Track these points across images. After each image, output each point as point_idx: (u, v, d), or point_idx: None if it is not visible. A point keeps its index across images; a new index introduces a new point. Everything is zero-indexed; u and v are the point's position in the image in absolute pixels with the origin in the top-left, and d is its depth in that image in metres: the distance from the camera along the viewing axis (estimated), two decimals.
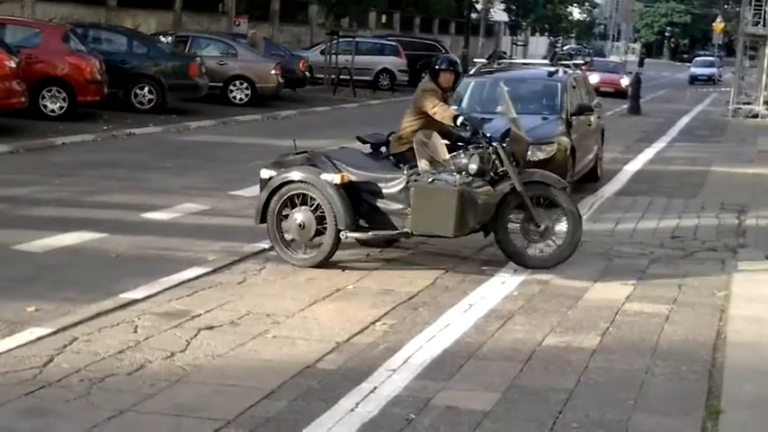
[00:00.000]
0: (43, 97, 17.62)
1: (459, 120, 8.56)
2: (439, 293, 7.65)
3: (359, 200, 8.26)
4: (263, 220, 8.43)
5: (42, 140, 15.33)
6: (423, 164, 8.23)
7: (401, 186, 8.14)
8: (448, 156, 8.32)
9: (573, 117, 13.01)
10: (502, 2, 62.68)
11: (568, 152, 12.21)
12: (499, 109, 9.33)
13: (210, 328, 6.48)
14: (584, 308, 7.37)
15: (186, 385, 5.45)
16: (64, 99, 17.77)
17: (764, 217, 11.67)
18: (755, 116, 30.13)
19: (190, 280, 7.69)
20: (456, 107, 12.93)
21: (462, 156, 8.28)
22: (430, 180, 8.04)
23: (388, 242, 9.10)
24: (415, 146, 8.47)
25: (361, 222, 8.34)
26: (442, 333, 6.58)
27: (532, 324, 6.88)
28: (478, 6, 54.58)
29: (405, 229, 8.19)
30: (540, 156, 11.78)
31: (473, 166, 8.13)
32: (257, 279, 7.92)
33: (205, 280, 7.74)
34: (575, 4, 73.63)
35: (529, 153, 11.64)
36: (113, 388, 5.32)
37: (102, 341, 6.08)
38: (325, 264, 8.28)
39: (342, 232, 8.18)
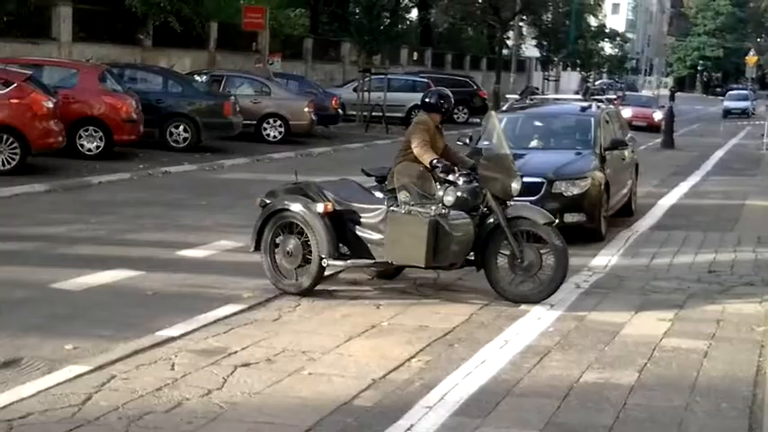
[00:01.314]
0: (80, 137, 17.84)
1: (433, 163, 8.68)
2: (474, 329, 7.63)
3: (344, 229, 8.54)
4: (257, 247, 8.74)
5: (79, 179, 15.51)
6: (402, 195, 8.49)
7: (381, 217, 8.39)
8: (436, 189, 8.55)
9: (606, 152, 12.99)
10: (533, 38, 62.84)
11: (602, 187, 12.19)
12: (486, 143, 9.34)
13: (247, 365, 6.49)
14: (621, 344, 7.31)
15: (223, 423, 5.46)
16: (100, 138, 17.98)
17: None
18: None
19: (226, 317, 7.72)
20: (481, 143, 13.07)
21: (441, 189, 8.44)
22: (405, 210, 8.23)
23: (394, 273, 9.29)
24: (395, 176, 8.80)
25: (346, 251, 8.62)
26: (478, 369, 6.55)
27: (569, 360, 6.84)
28: (510, 42, 54.74)
29: (383, 259, 8.40)
30: (575, 191, 11.78)
31: (448, 198, 8.30)
32: (292, 316, 7.93)
33: (241, 317, 7.77)
34: (606, 39, 73.58)
35: (563, 188, 11.75)
36: (151, 425, 5.34)
37: (140, 378, 6.11)
38: (311, 291, 8.53)
39: (323, 260, 8.40)
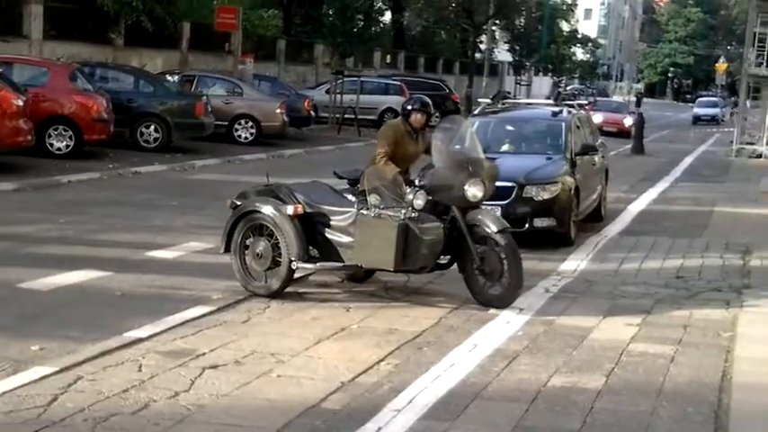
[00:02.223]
0: (50, 136, 17.70)
1: (394, 177, 8.64)
2: (444, 333, 7.64)
3: (314, 232, 8.53)
4: (227, 248, 8.73)
5: (48, 179, 15.39)
6: (372, 198, 8.44)
7: (351, 220, 8.39)
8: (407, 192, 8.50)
9: (577, 157, 13.05)
10: (506, 42, 63.12)
11: (572, 192, 12.24)
12: (457, 147, 9.05)
13: (215, 367, 6.47)
14: (589, 348, 7.35)
15: (190, 425, 5.43)
16: (70, 137, 17.85)
17: None
18: (759, 156, 30.19)
19: (194, 319, 7.69)
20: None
21: (410, 192, 8.36)
22: (374, 214, 8.23)
23: (365, 277, 9.26)
24: (366, 179, 8.77)
25: (316, 254, 8.60)
26: (446, 373, 6.56)
27: (537, 364, 6.86)
28: (482, 46, 54.92)
29: (352, 262, 8.38)
30: (545, 195, 11.83)
31: (418, 202, 8.25)
32: (261, 318, 7.91)
33: (210, 319, 7.74)
34: (578, 45, 73.99)
35: (533, 193, 11.80)
36: (117, 427, 5.31)
37: (107, 380, 6.07)
38: (280, 293, 8.50)
39: (293, 262, 8.39)
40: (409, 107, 9.21)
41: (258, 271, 8.63)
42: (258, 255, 8.57)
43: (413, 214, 8.20)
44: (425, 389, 6.18)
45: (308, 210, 8.52)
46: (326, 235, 8.50)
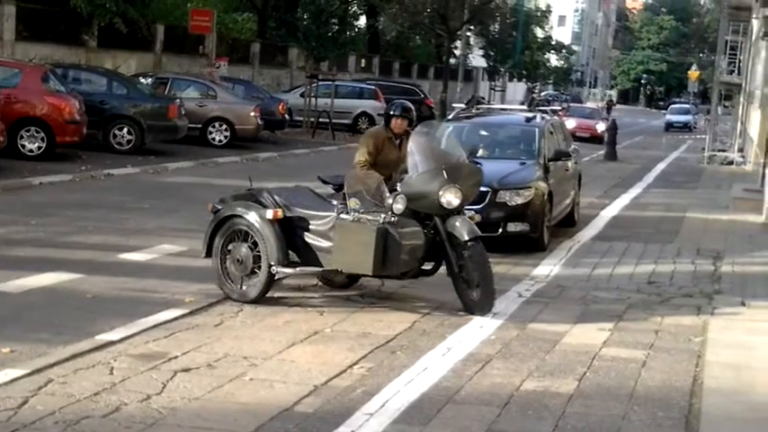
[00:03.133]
0: (21, 137, 17.56)
1: (378, 186, 8.55)
2: (417, 337, 7.64)
3: (294, 236, 8.46)
4: (208, 254, 8.67)
5: (20, 180, 15.27)
6: (352, 202, 8.41)
7: (330, 224, 8.31)
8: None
9: (550, 162, 13.11)
10: (480, 48, 63.27)
11: (546, 197, 12.31)
12: (432, 152, 8.65)
13: (187, 370, 6.44)
14: (561, 352, 7.38)
15: (162, 428, 5.40)
16: (42, 139, 17.72)
17: (740, 263, 11.76)
18: (730, 163, 30.46)
19: (167, 322, 7.65)
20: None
21: (391, 197, 8.28)
22: (353, 218, 8.17)
23: (349, 282, 9.18)
24: (346, 182, 8.83)
25: (296, 258, 8.54)
26: (419, 377, 6.56)
27: (510, 368, 6.88)
28: (457, 52, 55.03)
29: (331, 266, 8.34)
30: (518, 200, 11.88)
31: (398, 207, 8.17)
32: (235, 321, 7.88)
33: (182, 322, 7.70)
34: (552, 51, 74.31)
35: (507, 197, 11.84)
36: (88, 430, 5.27)
37: (78, 383, 6.03)
38: (261, 299, 8.43)
39: (272, 267, 8.31)
40: (391, 112, 9.16)
41: (238, 276, 8.54)
42: (239, 260, 8.50)
43: (392, 219, 8.11)
44: (398, 392, 6.18)
45: (288, 214, 8.45)
46: (306, 239, 8.43)
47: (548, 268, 10.84)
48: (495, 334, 7.81)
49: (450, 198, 8.32)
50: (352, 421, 5.63)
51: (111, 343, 6.94)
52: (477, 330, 7.91)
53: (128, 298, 8.49)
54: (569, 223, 14.29)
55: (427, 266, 8.58)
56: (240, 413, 5.68)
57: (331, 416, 5.71)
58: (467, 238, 8.27)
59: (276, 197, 8.62)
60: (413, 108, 9.31)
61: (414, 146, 8.61)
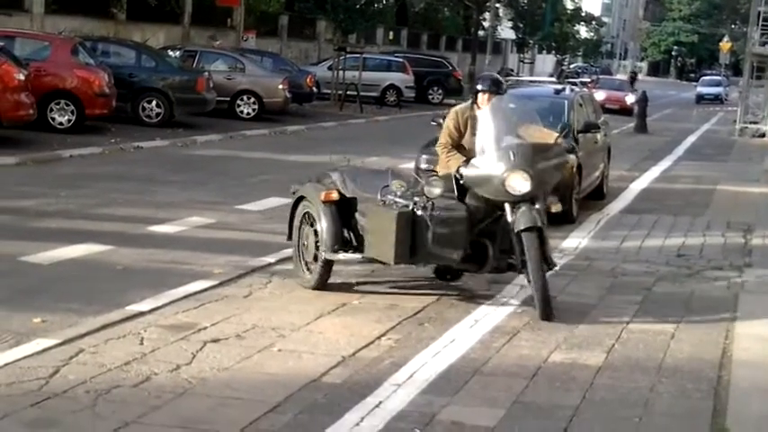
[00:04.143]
0: (51, 110, 17.67)
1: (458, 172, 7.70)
2: (444, 309, 7.65)
3: (351, 220, 7.88)
4: (289, 236, 8.34)
5: (50, 153, 15.38)
6: (396, 184, 7.63)
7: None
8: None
9: (579, 135, 13.04)
10: (509, 20, 62.80)
11: (575, 169, 12.23)
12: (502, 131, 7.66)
13: (216, 341, 6.48)
14: (589, 325, 7.36)
15: (191, 398, 5.45)
16: (72, 112, 17.82)
17: None
18: (762, 135, 30.14)
19: (196, 293, 7.70)
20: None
21: (424, 179, 7.62)
22: (386, 201, 7.47)
23: (454, 276, 8.26)
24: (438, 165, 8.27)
25: (355, 243, 7.88)
26: (447, 349, 6.57)
27: (538, 341, 6.88)
28: (486, 24, 54.68)
29: (368, 254, 7.65)
30: None
31: (433, 191, 7.29)
32: (263, 293, 7.92)
33: (211, 293, 7.75)
34: (582, 23, 73.65)
35: None
36: (119, 399, 5.33)
37: (109, 353, 6.09)
38: (322, 287, 7.96)
39: (323, 251, 7.78)
40: (478, 87, 8.11)
41: (304, 262, 8.13)
42: (305, 244, 8.09)
43: (426, 203, 7.29)
44: (426, 364, 6.20)
45: (347, 195, 7.83)
46: (360, 223, 7.81)
47: (576, 241, 10.80)
48: (522, 306, 7.79)
49: (516, 183, 7.35)
50: (380, 392, 5.65)
51: (141, 314, 7.00)
52: (504, 303, 7.90)
53: (157, 269, 8.55)
54: (598, 196, 14.22)
55: (513, 260, 7.65)
56: (269, 383, 5.72)
57: (359, 387, 5.73)
58: (521, 227, 7.33)
59: (343, 177, 7.95)
60: (503, 81, 8.33)
61: (483, 122, 7.72)
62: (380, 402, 5.49)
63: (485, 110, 7.84)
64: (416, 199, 7.36)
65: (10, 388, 5.38)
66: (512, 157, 7.42)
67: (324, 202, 7.82)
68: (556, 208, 8.04)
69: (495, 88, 8.00)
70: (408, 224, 7.27)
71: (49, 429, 4.91)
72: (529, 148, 7.56)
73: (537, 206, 7.41)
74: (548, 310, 7.36)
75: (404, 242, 7.28)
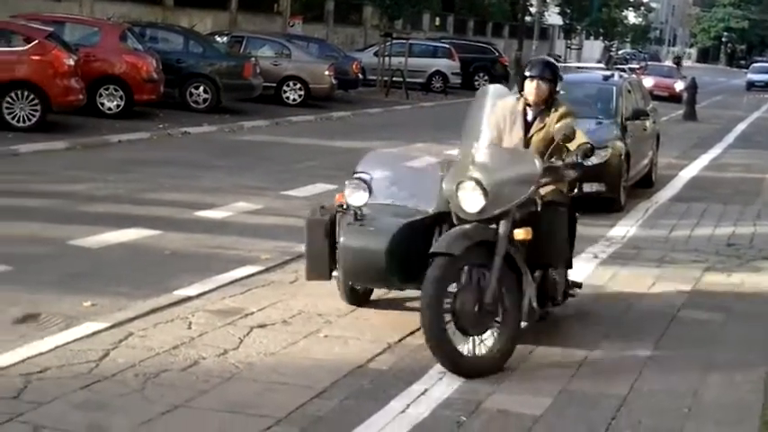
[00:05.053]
0: (100, 95, 17.84)
1: None
2: None
3: None
4: None
5: (99, 138, 15.54)
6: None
7: None
8: None
9: (628, 122, 12.92)
10: (556, 5, 62.30)
11: (623, 157, 12.13)
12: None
13: (263, 326, 6.51)
14: (637, 314, 7.30)
15: (239, 382, 5.49)
16: (121, 97, 17.98)
17: None
18: None
19: (243, 278, 7.74)
20: None
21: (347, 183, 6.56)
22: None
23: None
24: None
25: None
26: None
27: (585, 330, 6.83)
28: (533, 9, 54.29)
29: None
30: (594, 160, 11.67)
31: (352, 200, 6.37)
32: None
33: (258, 278, 7.78)
34: (630, 8, 72.90)
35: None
36: (167, 383, 5.38)
37: (157, 337, 6.14)
38: (356, 302, 7.16)
39: None
40: (526, 73, 6.55)
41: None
42: None
43: (355, 213, 6.26)
44: None
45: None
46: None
47: (624, 229, 10.70)
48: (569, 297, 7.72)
49: (463, 199, 5.80)
50: (426, 379, 5.65)
51: (189, 298, 7.05)
52: None
53: (204, 254, 8.60)
54: (647, 184, 14.08)
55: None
56: (315, 369, 5.74)
57: (404, 373, 5.73)
58: (433, 249, 5.81)
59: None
60: (555, 64, 6.76)
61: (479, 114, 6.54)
62: (426, 390, 5.49)
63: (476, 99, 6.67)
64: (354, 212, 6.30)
65: (60, 370, 5.45)
66: (469, 165, 6.00)
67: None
68: (523, 236, 5.91)
69: (544, 74, 6.50)
70: (319, 235, 6.35)
71: (99, 412, 4.96)
72: (491, 154, 6.17)
73: (501, 228, 5.78)
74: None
75: (313, 255, 6.37)
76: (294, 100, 24.12)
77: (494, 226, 5.81)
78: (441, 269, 5.60)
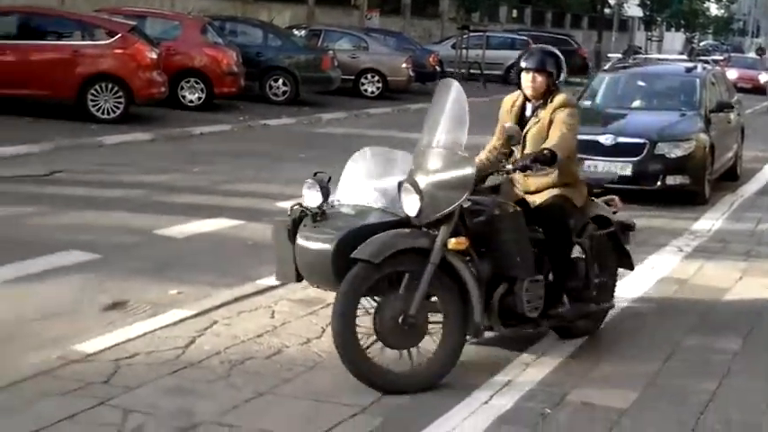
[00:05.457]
0: (182, 88, 18.12)
1: None
2: None
3: None
4: None
5: (181, 130, 15.76)
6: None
7: None
8: None
9: (712, 114, 12.69)
10: None
11: (707, 149, 11.92)
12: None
13: None
14: (724, 308, 7.16)
15: (322, 371, 5.51)
16: (202, 90, 18.24)
17: None
18: None
19: None
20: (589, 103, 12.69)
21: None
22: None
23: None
24: None
25: None
26: None
27: (671, 323, 6.72)
28: (612, 1, 53.58)
29: None
30: (678, 153, 11.54)
31: (308, 199, 6.06)
32: None
33: None
34: (712, 0, 71.56)
35: (666, 149, 11.50)
36: (252, 371, 5.43)
37: (241, 325, 6.21)
38: None
39: None
40: (521, 64, 6.05)
41: None
42: None
43: (311, 213, 5.86)
44: (556, 345, 6.12)
45: None
46: None
47: (709, 222, 10.51)
48: (653, 289, 7.62)
49: (404, 201, 5.47)
50: (510, 370, 5.62)
51: (272, 288, 7.09)
52: (636, 284, 7.73)
53: None
54: (732, 177, 13.82)
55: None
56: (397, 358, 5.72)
57: (488, 364, 5.70)
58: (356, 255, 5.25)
59: None
60: (556, 54, 6.09)
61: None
62: (510, 381, 5.45)
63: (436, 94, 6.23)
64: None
65: (149, 356, 5.54)
66: (415, 165, 5.66)
67: None
68: (459, 245, 5.37)
69: (540, 65, 5.92)
70: (281, 238, 5.89)
71: (186, 397, 5.03)
72: (430, 155, 5.68)
73: (439, 235, 5.32)
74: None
75: (281, 258, 5.87)
76: (372, 92, 24.18)
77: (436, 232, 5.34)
78: (355, 277, 5.20)
